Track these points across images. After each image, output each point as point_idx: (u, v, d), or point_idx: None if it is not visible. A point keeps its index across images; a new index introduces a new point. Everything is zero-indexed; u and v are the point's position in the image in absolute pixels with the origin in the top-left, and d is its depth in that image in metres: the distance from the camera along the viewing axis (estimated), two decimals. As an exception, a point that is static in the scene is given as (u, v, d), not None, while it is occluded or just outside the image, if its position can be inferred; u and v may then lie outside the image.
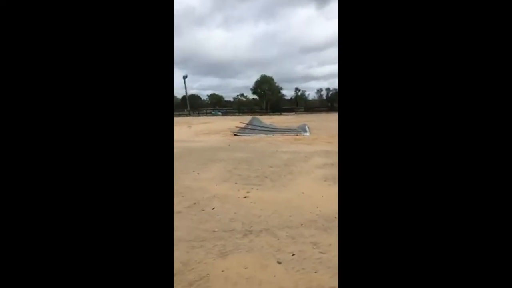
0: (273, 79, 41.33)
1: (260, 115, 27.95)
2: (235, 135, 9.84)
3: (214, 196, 3.22)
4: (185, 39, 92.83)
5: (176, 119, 26.68)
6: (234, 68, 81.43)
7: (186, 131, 12.24)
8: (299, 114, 30.68)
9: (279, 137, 8.95)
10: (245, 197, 3.16)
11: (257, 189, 3.47)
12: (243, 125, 12.30)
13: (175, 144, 7.71)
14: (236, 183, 3.73)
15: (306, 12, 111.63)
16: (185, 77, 39.74)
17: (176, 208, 2.87)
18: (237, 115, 31.58)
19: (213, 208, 2.84)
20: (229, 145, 7.35)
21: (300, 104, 42.47)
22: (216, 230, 2.34)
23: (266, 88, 40.33)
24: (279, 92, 43.05)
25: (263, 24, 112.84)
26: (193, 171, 4.45)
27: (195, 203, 2.99)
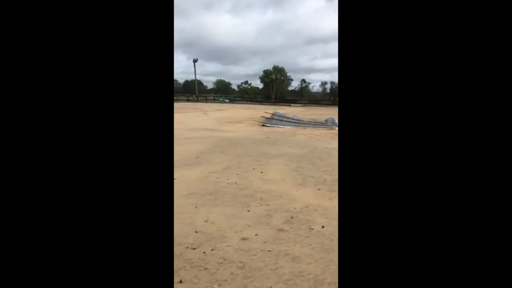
0: (284, 69, 40.18)
1: (269, 105, 27.22)
2: (263, 125, 9.15)
3: (307, 207, 2.58)
4: (192, 23, 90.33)
5: (186, 104, 25.84)
6: (238, 55, 79.41)
7: (206, 119, 11.49)
8: (308, 106, 29.81)
9: (314, 131, 8.27)
10: (348, 211, 2.52)
11: (352, 199, 2.83)
12: (268, 115, 11.57)
13: (205, 133, 7.06)
14: (319, 189, 3.08)
15: (315, 3, 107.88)
16: (195, 61, 37.58)
17: (273, 222, 2.23)
18: (246, 103, 30.69)
19: (323, 227, 2.20)
20: (267, 137, 6.67)
21: (303, 96, 41.41)
22: (357, 265, 1.71)
23: (276, 77, 39.19)
24: (290, 82, 42.06)
25: (271, 12, 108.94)
26: (253, 169, 3.79)
27: (292, 217, 2.35)
